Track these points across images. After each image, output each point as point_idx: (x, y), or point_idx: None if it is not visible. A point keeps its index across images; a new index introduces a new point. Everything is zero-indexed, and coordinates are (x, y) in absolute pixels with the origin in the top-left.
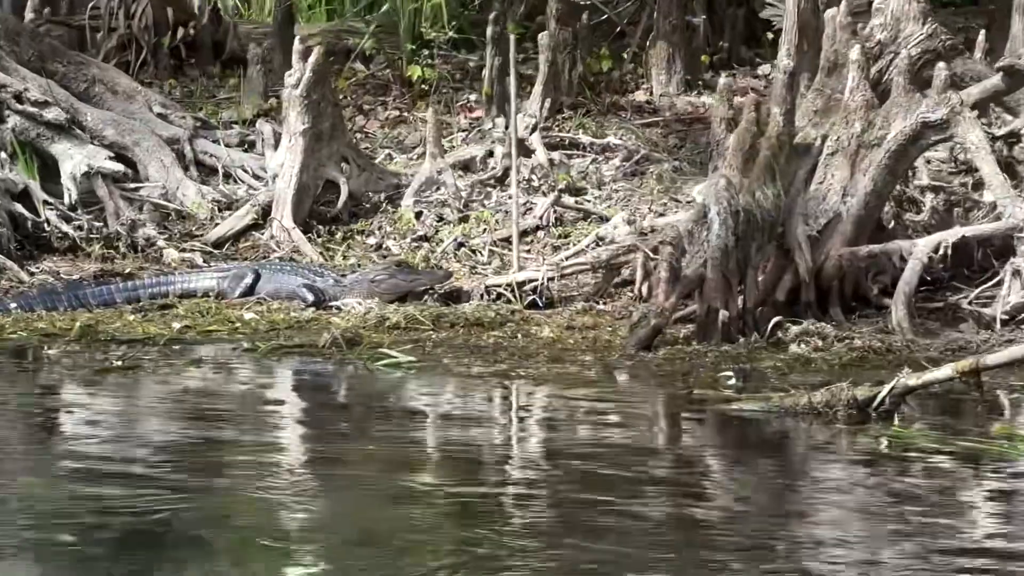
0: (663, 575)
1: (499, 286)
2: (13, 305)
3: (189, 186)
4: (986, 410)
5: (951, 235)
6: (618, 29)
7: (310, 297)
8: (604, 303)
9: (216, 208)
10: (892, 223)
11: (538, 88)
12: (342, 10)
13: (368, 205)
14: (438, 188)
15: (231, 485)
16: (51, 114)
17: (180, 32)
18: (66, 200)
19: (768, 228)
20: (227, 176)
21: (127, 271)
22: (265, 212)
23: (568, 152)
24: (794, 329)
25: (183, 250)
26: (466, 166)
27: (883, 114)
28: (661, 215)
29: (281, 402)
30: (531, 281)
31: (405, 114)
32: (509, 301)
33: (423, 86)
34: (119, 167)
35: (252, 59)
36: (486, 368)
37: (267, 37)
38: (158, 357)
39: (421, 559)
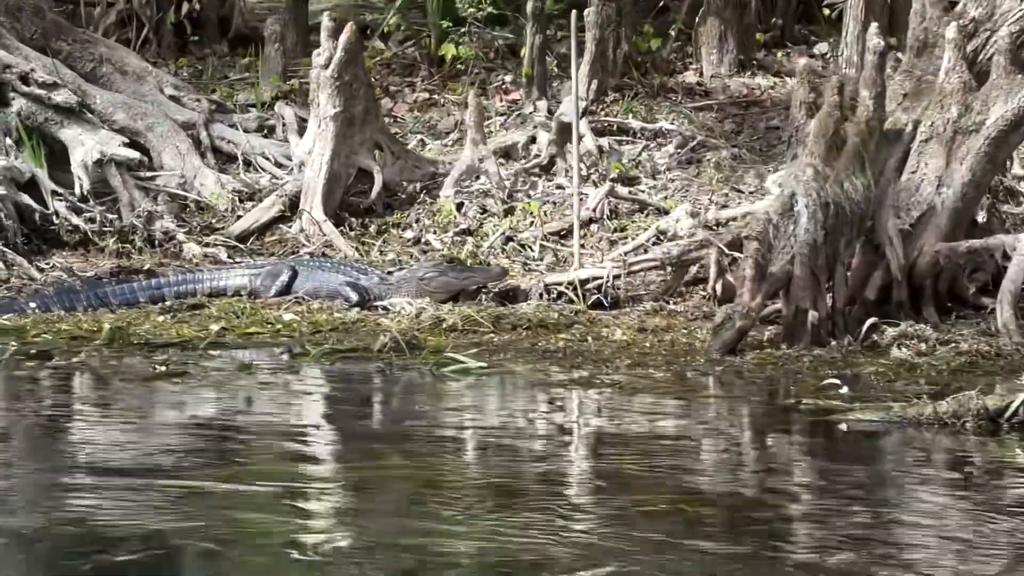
0: None
1: (559, 284)
2: (33, 305)
3: (207, 175)
4: None
5: None
6: (661, 4)
7: (354, 296)
8: (675, 303)
9: (237, 199)
10: (986, 216)
11: (584, 69)
12: None
13: (403, 196)
14: (478, 177)
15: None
16: (60, 97)
17: (184, 7)
18: (77, 190)
19: (857, 222)
20: (247, 164)
21: (146, 267)
22: (292, 203)
23: (617, 138)
24: (890, 331)
25: (206, 244)
26: (506, 153)
27: (981, 97)
28: (724, 207)
29: (365, 415)
30: (595, 279)
31: (435, 96)
32: (571, 301)
33: (458, 66)
34: (135, 154)
35: (269, 36)
36: (565, 375)
37: (274, 13)
38: (202, 363)
39: None
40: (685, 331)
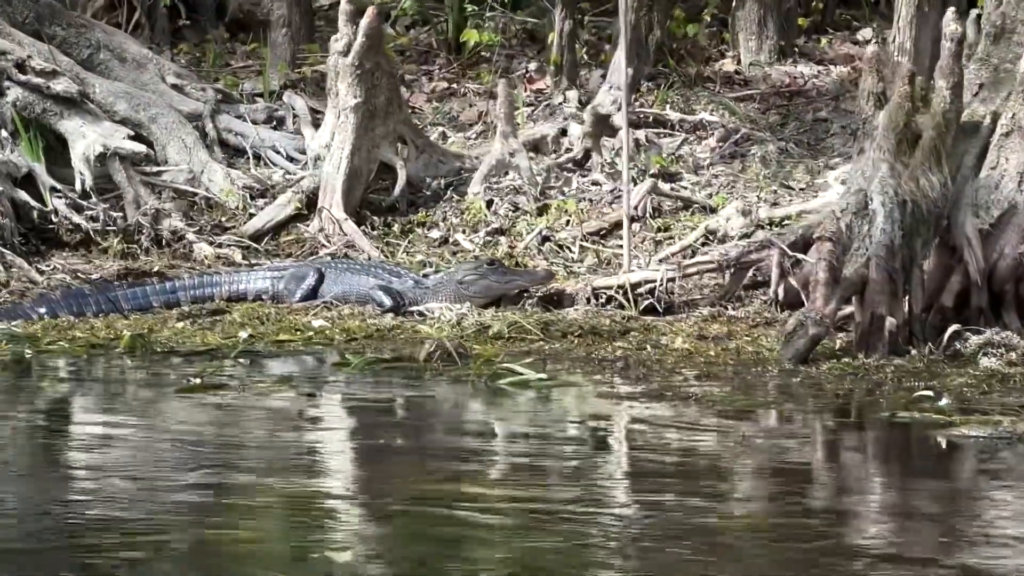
0: None
1: (609, 288)
2: (42, 310)
3: (216, 170)
4: None
5: None
6: None
7: (388, 301)
8: (733, 308)
9: (247, 195)
10: None
11: (618, 58)
12: None
13: (428, 192)
14: (507, 172)
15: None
16: (60, 86)
17: None
18: (78, 186)
19: (933, 221)
20: (256, 158)
21: (155, 270)
22: (309, 201)
23: (654, 131)
24: (974, 339)
25: (218, 245)
26: (535, 147)
27: None
28: (774, 204)
29: (459, 432)
30: (647, 282)
31: (454, 86)
32: (621, 306)
33: (482, 53)
34: (141, 147)
35: (276, 21)
36: (633, 387)
37: None
38: (238, 373)
39: None
40: (748, 339)
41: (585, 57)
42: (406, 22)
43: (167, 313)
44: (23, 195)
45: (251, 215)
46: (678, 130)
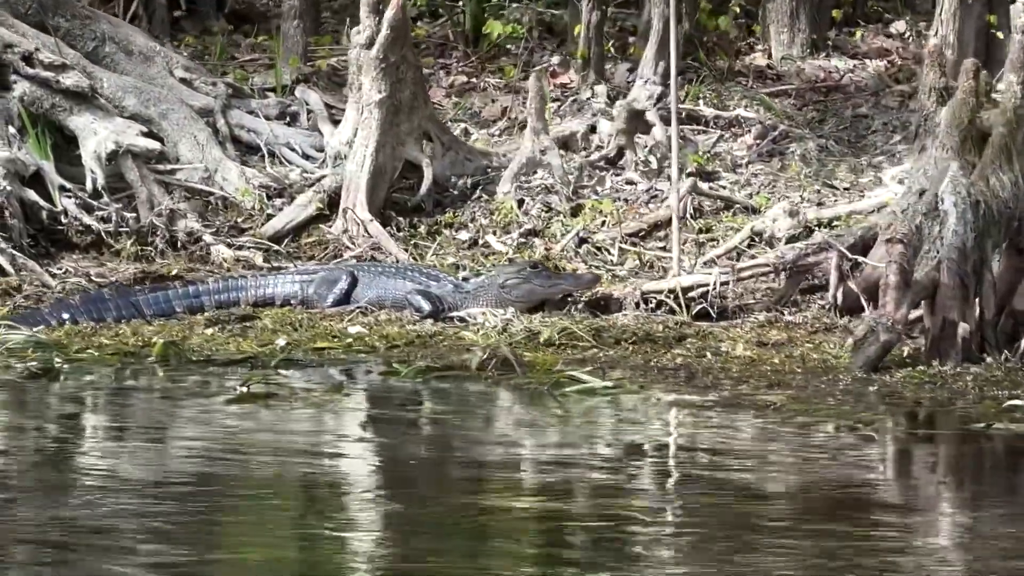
0: None
1: (659, 292)
2: (66, 316)
3: (231, 168)
4: None
5: None
6: None
7: (426, 306)
8: (790, 313)
9: (264, 195)
10: None
11: (650, 51)
12: None
13: (455, 192)
14: (535, 171)
15: None
16: (69, 80)
17: None
18: (88, 185)
19: (1005, 223)
20: (270, 155)
21: (174, 273)
22: (331, 200)
23: (687, 127)
24: None
25: (239, 247)
26: (564, 144)
27: None
28: (820, 204)
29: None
30: (699, 286)
31: (473, 80)
32: (672, 311)
33: (500, 46)
34: (155, 144)
35: (287, 12)
36: (704, 396)
37: None
38: (284, 382)
39: None
40: (810, 345)
41: (612, 50)
42: (411, 13)
43: (192, 318)
44: (32, 195)
45: (268, 216)
46: (712, 127)
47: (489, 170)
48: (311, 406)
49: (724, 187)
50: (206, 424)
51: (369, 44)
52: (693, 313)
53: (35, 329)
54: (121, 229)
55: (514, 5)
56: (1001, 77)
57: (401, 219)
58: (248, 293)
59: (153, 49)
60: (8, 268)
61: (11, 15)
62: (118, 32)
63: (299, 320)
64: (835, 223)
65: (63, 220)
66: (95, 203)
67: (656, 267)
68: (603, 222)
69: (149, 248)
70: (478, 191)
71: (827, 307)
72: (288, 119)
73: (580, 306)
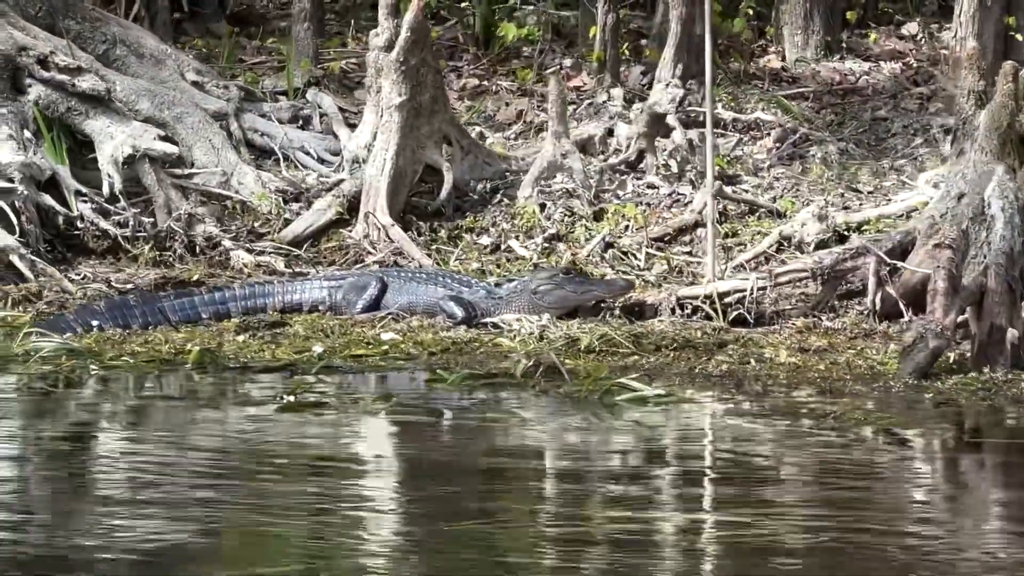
0: None
1: (695, 298)
2: (95, 323)
3: (246, 172)
4: None
5: None
6: None
7: (459, 313)
8: (827, 318)
9: (281, 199)
10: None
11: (668, 53)
12: None
13: (474, 196)
14: (555, 175)
15: None
16: (86, 83)
17: None
18: (105, 190)
19: None
20: (284, 159)
21: (195, 278)
22: (350, 205)
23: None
24: None
25: (259, 252)
26: (583, 147)
27: None
28: (846, 208)
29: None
30: (735, 292)
31: (485, 83)
32: (708, 317)
33: (511, 48)
34: (173, 148)
35: (298, 15)
36: (754, 403)
37: None
38: (328, 390)
39: None
40: (853, 351)
41: (626, 53)
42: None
43: (220, 325)
44: (48, 199)
45: (286, 220)
46: (731, 130)
47: (508, 174)
48: (365, 414)
49: (747, 191)
50: (280, 435)
51: (388, 47)
52: (730, 319)
53: (64, 336)
54: (138, 234)
55: (528, 8)
56: None
57: (421, 223)
58: (275, 299)
59: (164, 52)
60: (28, 274)
61: (21, 17)
62: (128, 35)
63: (330, 327)
64: (864, 227)
65: (79, 225)
66: (111, 208)
67: (684, 272)
68: (627, 227)
69: (167, 253)
70: (498, 195)
71: (866, 312)
72: (301, 123)
73: (616, 312)
